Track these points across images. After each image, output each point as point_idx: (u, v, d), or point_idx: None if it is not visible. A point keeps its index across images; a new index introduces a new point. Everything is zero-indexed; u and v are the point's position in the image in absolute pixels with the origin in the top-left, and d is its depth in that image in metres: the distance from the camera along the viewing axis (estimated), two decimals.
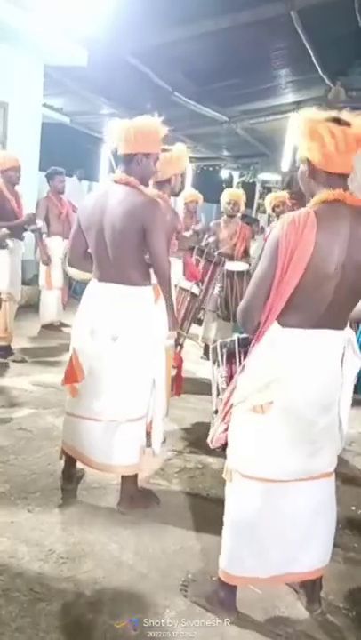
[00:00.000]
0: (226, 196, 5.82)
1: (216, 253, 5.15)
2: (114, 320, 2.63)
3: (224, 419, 2.17)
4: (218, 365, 2.55)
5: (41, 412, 3.95)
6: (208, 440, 2.34)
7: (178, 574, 2.36)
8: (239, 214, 5.96)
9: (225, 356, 2.52)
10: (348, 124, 1.83)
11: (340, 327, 2.01)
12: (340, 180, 1.90)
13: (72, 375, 2.76)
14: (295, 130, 1.92)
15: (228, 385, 2.35)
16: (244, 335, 2.38)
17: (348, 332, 2.04)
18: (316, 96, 8.50)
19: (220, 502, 2.91)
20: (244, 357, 2.28)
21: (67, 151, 10.17)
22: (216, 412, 2.53)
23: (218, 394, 2.50)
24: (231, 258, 5.55)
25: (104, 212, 2.57)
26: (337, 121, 1.84)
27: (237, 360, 2.45)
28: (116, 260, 2.61)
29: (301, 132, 1.87)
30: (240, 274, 5.42)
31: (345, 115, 1.87)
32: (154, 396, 2.81)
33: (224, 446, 2.21)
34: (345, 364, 2.03)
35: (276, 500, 2.06)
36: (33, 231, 5.61)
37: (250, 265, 5.60)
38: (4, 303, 4.97)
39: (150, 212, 2.54)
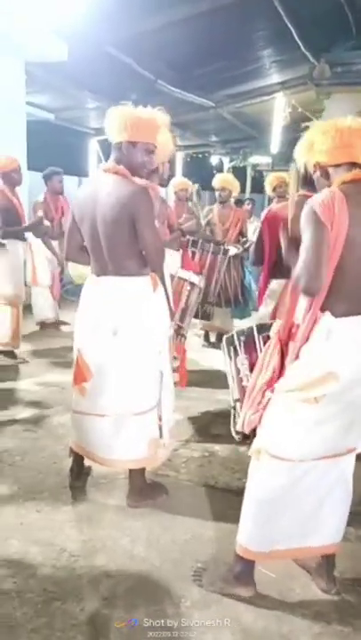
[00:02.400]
0: (216, 182, 5.80)
1: (212, 244, 5.13)
2: (113, 313, 2.60)
3: (252, 404, 2.15)
4: (235, 355, 2.54)
5: (45, 412, 3.95)
6: (238, 428, 2.32)
7: (190, 563, 2.36)
8: (232, 199, 5.93)
9: (243, 344, 2.52)
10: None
11: None
12: (353, 168, 1.97)
13: (80, 375, 2.72)
14: (303, 146, 2.08)
15: (250, 372, 2.35)
16: (262, 322, 2.37)
17: None
18: (302, 74, 8.41)
19: (228, 490, 2.94)
20: (264, 343, 2.27)
21: (54, 148, 10.10)
22: (236, 401, 2.53)
23: (241, 381, 2.50)
24: (223, 244, 5.54)
25: (95, 204, 2.53)
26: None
27: (258, 346, 2.44)
28: (110, 251, 2.57)
29: (306, 143, 2.05)
30: (228, 257, 5.42)
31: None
32: (163, 387, 2.77)
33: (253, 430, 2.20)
34: None
35: (301, 477, 2.07)
36: (40, 235, 5.60)
37: (238, 249, 5.57)
38: (11, 308, 4.99)
39: (138, 200, 2.48)
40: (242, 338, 2.53)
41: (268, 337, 2.24)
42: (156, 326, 2.68)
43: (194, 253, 4.91)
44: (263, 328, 2.45)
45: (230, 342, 2.57)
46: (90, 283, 2.71)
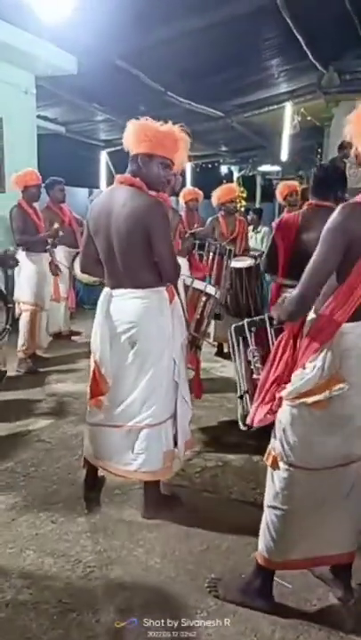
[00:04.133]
0: (223, 195, 5.69)
1: (218, 246, 5.10)
2: (130, 325, 2.58)
3: (264, 398, 2.13)
4: (245, 346, 2.51)
5: (58, 422, 3.95)
6: (248, 421, 2.28)
7: (206, 575, 2.34)
8: (241, 209, 5.91)
9: (253, 336, 2.49)
10: None
11: None
12: None
13: (97, 389, 2.70)
14: (352, 126, 1.87)
15: (262, 364, 2.32)
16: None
17: None
18: (310, 83, 8.45)
19: (242, 500, 2.92)
20: (276, 336, 2.24)
21: (65, 161, 10.17)
22: (245, 393, 2.50)
23: (251, 374, 2.47)
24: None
25: (110, 215, 2.53)
26: None
27: (270, 339, 2.41)
28: (126, 263, 2.55)
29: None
30: (248, 270, 5.38)
31: None
32: (179, 398, 2.75)
33: (265, 427, 2.16)
34: None
35: (316, 485, 2.06)
36: (55, 245, 5.74)
37: (254, 259, 5.54)
38: (31, 315, 5.19)
39: (153, 213, 2.47)
40: (253, 329, 2.50)
41: (281, 329, 2.20)
42: (172, 338, 2.67)
43: (201, 256, 4.90)
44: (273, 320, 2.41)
45: (240, 332, 2.53)
46: (105, 296, 2.69)
